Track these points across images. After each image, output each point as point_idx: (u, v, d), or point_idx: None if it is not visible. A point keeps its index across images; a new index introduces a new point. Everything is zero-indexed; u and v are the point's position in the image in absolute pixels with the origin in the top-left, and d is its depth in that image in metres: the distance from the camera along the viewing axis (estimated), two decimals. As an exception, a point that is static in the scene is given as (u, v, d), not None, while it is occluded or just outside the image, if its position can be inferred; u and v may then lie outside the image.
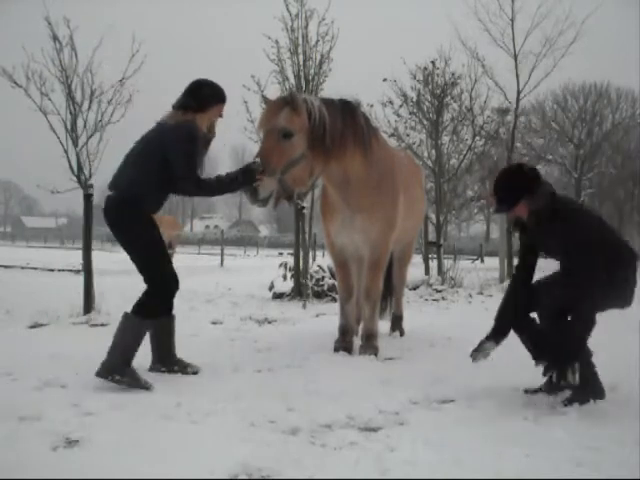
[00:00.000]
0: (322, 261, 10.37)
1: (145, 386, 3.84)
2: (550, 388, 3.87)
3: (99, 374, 3.88)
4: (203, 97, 4.29)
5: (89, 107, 7.03)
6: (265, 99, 4.97)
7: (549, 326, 3.80)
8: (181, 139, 4.06)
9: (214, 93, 4.37)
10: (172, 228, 19.41)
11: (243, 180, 4.28)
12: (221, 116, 4.46)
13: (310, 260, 10.17)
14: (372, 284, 5.22)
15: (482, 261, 26.73)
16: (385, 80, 13.24)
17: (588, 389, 3.68)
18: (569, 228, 3.65)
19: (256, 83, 9.52)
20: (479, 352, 3.83)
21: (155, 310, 4.13)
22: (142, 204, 4.14)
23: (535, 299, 3.82)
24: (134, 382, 3.84)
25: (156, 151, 4.12)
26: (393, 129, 13.32)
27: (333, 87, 9.87)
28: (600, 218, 3.87)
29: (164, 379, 4.10)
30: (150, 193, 4.16)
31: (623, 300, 3.74)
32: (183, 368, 4.36)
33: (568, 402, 3.60)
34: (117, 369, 3.87)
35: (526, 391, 3.90)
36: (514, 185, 3.72)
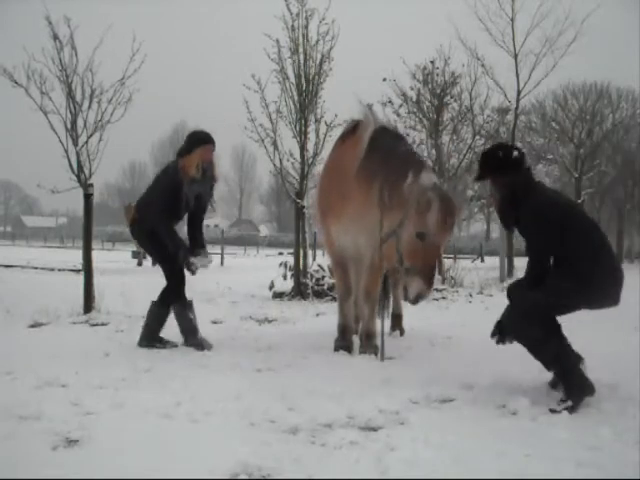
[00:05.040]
0: (322, 260, 10.37)
1: (172, 345, 5.17)
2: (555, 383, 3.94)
3: (139, 344, 5.20)
4: (186, 143, 5.28)
5: (89, 106, 7.03)
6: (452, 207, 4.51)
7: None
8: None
9: (195, 138, 5.27)
10: None
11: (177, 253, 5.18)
12: (208, 158, 5.23)
13: (310, 259, 10.16)
14: (372, 284, 5.22)
15: (482, 260, 26.73)
16: (385, 80, 13.24)
17: (577, 389, 3.62)
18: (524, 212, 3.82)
19: (257, 82, 9.53)
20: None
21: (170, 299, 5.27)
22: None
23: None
24: (161, 345, 5.16)
25: None
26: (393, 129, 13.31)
27: (333, 87, 9.91)
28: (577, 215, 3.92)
29: (164, 379, 4.10)
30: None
31: (600, 298, 3.79)
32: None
33: (562, 402, 3.56)
34: (146, 340, 5.19)
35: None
36: (488, 162, 4.01)
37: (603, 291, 3.77)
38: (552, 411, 3.47)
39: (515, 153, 3.98)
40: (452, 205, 4.46)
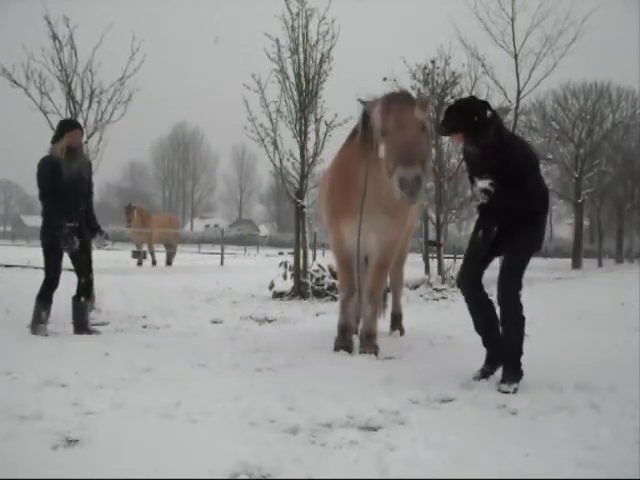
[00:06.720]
0: (322, 260, 10.37)
1: (43, 333, 5.76)
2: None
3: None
4: (55, 131, 5.79)
5: (89, 106, 7.05)
6: (389, 95, 4.57)
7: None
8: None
9: (61, 125, 5.79)
10: (164, 226, 19.38)
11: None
12: (75, 141, 5.66)
13: (310, 259, 10.16)
14: (377, 284, 5.21)
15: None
16: (385, 80, 13.23)
17: (519, 372, 3.98)
18: (507, 157, 3.95)
19: (257, 82, 9.53)
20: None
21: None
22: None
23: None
24: (39, 332, 5.73)
25: None
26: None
27: (333, 87, 9.90)
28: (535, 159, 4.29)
29: (164, 379, 4.10)
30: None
31: (539, 241, 4.20)
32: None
33: (508, 384, 3.87)
34: (32, 328, 5.84)
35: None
36: (455, 117, 4.05)
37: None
38: (505, 392, 3.80)
39: (489, 113, 3.97)
40: (397, 93, 4.48)
